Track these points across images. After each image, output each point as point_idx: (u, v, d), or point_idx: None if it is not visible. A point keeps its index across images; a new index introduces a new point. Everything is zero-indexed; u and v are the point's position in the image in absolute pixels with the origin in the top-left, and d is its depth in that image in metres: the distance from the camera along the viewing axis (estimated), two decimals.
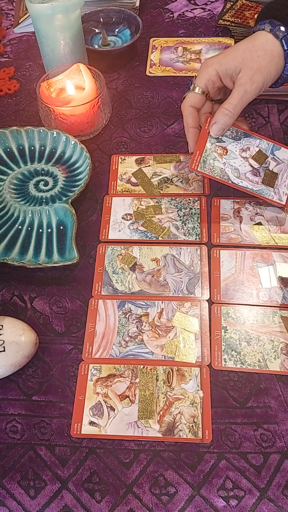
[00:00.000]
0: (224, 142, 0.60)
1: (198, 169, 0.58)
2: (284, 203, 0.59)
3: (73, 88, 0.70)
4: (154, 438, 0.46)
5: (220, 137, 0.60)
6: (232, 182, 0.58)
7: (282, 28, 0.55)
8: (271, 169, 0.60)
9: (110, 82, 0.78)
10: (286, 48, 0.55)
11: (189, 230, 0.60)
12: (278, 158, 0.61)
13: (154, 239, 0.60)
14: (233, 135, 0.60)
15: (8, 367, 0.48)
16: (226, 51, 0.56)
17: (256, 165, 0.60)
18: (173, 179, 0.65)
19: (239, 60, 0.55)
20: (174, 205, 0.63)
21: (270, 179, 0.59)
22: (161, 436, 0.46)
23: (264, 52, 0.54)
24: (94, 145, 0.70)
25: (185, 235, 0.60)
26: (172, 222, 0.61)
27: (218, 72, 0.56)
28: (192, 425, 0.46)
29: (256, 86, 0.55)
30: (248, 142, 0.60)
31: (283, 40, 0.55)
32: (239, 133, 0.60)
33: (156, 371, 0.50)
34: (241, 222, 0.60)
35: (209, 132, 0.59)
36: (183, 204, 0.63)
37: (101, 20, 0.84)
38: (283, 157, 0.61)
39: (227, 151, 0.59)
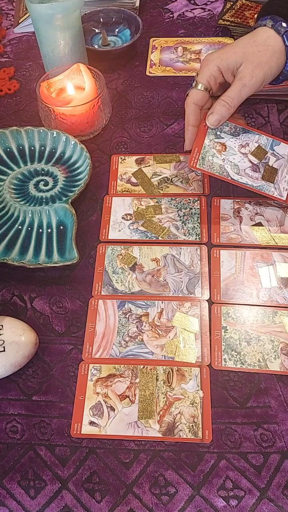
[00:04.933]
0: (223, 138, 0.60)
1: (197, 166, 0.58)
2: (284, 198, 0.59)
3: (73, 88, 0.70)
4: (154, 438, 0.46)
5: (218, 133, 0.59)
6: (231, 178, 0.58)
7: (284, 24, 0.55)
8: (271, 165, 0.60)
9: (110, 82, 0.78)
10: (287, 44, 0.55)
11: (189, 230, 0.60)
12: (278, 153, 0.60)
13: (154, 239, 0.60)
14: (232, 131, 0.60)
15: (8, 367, 0.48)
16: (227, 47, 0.56)
17: (255, 161, 0.59)
18: (173, 179, 0.65)
19: (240, 54, 0.54)
20: (174, 205, 0.63)
21: (270, 174, 0.59)
22: (161, 436, 0.46)
23: (265, 48, 0.54)
24: (94, 145, 0.70)
25: (185, 235, 0.60)
26: (172, 222, 0.61)
27: (220, 67, 0.56)
28: (192, 425, 0.46)
29: (256, 80, 0.54)
30: (247, 138, 0.60)
31: (284, 36, 0.55)
32: (238, 129, 0.60)
33: (156, 371, 0.50)
34: (241, 222, 0.60)
35: (207, 128, 0.59)
36: (183, 204, 0.63)
37: (101, 20, 0.84)
38: (283, 152, 0.61)
39: (226, 148, 0.59)
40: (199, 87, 0.57)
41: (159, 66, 0.81)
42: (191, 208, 0.62)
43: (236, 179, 0.58)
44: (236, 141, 0.60)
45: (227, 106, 0.56)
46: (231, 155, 0.59)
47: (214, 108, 0.57)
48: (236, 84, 0.55)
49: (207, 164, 0.58)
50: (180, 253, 0.58)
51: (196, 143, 0.59)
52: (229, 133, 0.60)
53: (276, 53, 0.55)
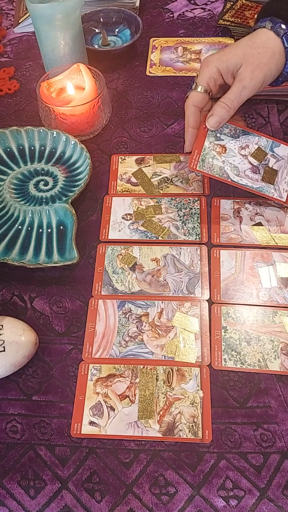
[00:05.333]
0: (223, 140, 0.60)
1: (197, 168, 0.58)
2: (284, 199, 0.59)
3: (73, 88, 0.70)
4: (154, 438, 0.46)
5: (218, 135, 0.59)
6: (231, 180, 0.58)
7: (283, 26, 0.55)
8: (270, 166, 0.60)
9: (110, 82, 0.78)
10: (287, 46, 0.55)
11: (189, 230, 0.60)
12: (277, 155, 0.61)
13: (154, 239, 0.60)
14: (232, 133, 0.60)
15: (8, 367, 0.48)
16: (227, 48, 0.56)
17: (255, 162, 0.59)
18: (173, 179, 0.65)
19: (240, 56, 0.55)
20: (174, 205, 0.63)
21: (270, 176, 0.59)
22: (161, 436, 0.46)
23: (264, 49, 0.54)
24: (94, 145, 0.70)
25: (185, 235, 0.60)
26: (172, 222, 0.61)
27: (219, 69, 0.56)
28: (192, 425, 0.46)
29: (256, 82, 0.55)
30: (247, 139, 0.60)
31: (283, 38, 0.55)
32: (238, 131, 0.60)
33: (156, 371, 0.50)
34: (241, 222, 0.60)
35: (207, 130, 0.59)
36: (183, 204, 0.63)
37: (101, 20, 0.84)
38: (282, 153, 0.61)
39: (226, 149, 0.59)
40: (198, 89, 0.58)
41: (159, 66, 0.81)
42: (191, 208, 0.62)
43: (236, 180, 0.58)
44: (236, 143, 0.60)
45: (227, 108, 0.56)
46: (231, 157, 0.59)
47: (214, 110, 0.57)
48: (236, 86, 0.55)
49: (207, 166, 0.58)
50: (180, 253, 0.58)
51: (196, 145, 0.59)
52: (229, 135, 0.60)
53: (275, 54, 0.55)
